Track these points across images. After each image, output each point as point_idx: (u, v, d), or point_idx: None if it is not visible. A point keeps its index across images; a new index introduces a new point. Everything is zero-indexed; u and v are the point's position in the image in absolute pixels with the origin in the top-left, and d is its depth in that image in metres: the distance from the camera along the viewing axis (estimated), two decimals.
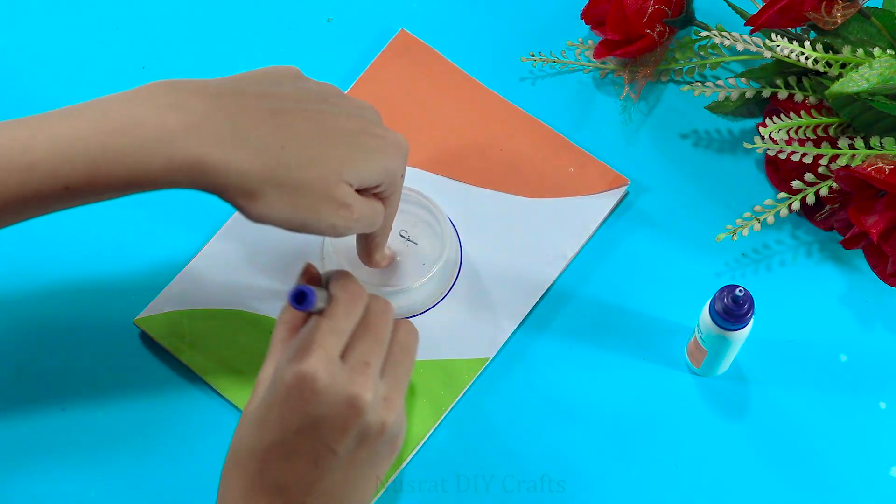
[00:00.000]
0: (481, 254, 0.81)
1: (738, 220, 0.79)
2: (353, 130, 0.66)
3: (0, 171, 0.60)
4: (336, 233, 0.65)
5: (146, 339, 0.79)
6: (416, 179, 0.82)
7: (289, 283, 0.78)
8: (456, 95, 0.85)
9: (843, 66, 0.77)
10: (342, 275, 0.67)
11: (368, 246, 0.73)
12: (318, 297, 0.63)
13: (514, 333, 0.79)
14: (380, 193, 0.68)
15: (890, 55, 0.74)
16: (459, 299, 0.80)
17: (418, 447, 0.76)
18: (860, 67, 0.74)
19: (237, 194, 0.62)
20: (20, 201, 0.61)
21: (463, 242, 0.81)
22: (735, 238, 0.79)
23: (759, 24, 0.78)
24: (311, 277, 0.68)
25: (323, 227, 0.64)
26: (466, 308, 0.79)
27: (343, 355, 0.64)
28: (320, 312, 0.64)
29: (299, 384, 0.61)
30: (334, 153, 0.64)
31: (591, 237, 0.82)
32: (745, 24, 0.79)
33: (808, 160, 0.76)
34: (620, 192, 0.82)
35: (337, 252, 0.79)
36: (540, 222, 0.82)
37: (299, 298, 0.61)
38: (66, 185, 0.60)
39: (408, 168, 0.80)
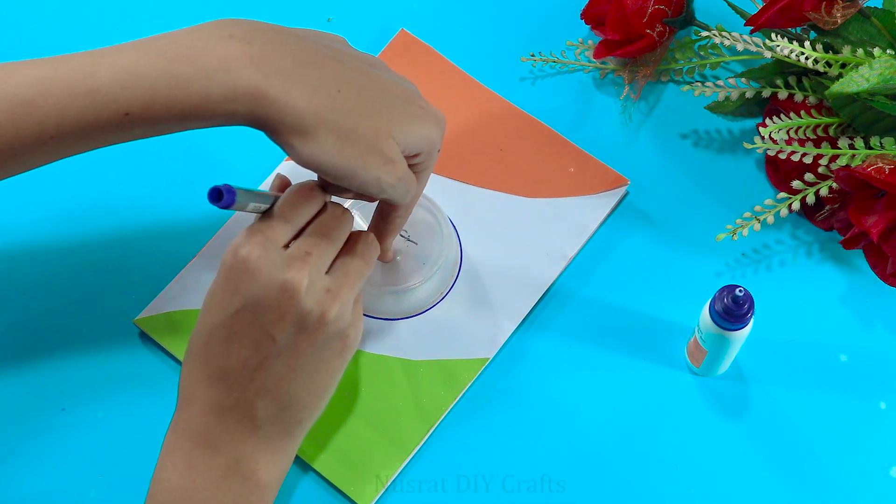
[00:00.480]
0: (481, 254, 0.81)
1: (738, 220, 0.79)
2: (401, 95, 0.66)
3: (62, 96, 0.61)
4: (378, 187, 0.65)
5: (146, 339, 0.79)
6: None
7: None
8: (456, 95, 0.85)
9: (843, 66, 0.77)
10: (302, 182, 0.66)
11: (386, 227, 0.73)
12: (263, 199, 0.63)
13: (514, 333, 0.79)
14: (416, 165, 0.68)
15: (890, 55, 0.74)
16: (459, 299, 0.80)
17: (419, 447, 0.76)
18: (860, 67, 0.74)
19: (291, 131, 0.62)
20: (82, 128, 0.61)
21: (463, 242, 0.81)
22: (735, 238, 0.79)
23: (759, 24, 0.78)
24: (282, 185, 0.68)
25: (369, 179, 0.64)
26: (466, 308, 0.79)
27: (286, 245, 0.64)
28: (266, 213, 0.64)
29: (235, 264, 0.62)
30: (385, 110, 0.65)
31: (592, 237, 0.82)
32: (745, 24, 0.79)
33: (808, 160, 0.76)
34: (620, 192, 0.82)
35: None
36: (540, 222, 0.82)
37: (216, 196, 0.60)
38: (127, 111, 0.61)
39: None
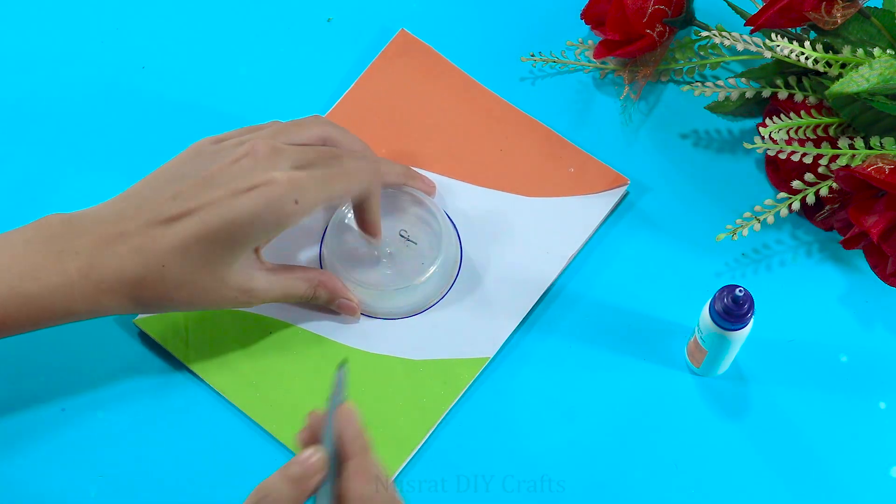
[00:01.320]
0: (481, 253, 0.81)
1: (738, 220, 0.79)
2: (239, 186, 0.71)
3: None
4: (245, 303, 0.74)
5: (146, 339, 0.79)
6: None
7: None
8: (455, 95, 0.85)
9: (843, 66, 0.77)
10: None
11: (365, 220, 0.78)
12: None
13: (514, 333, 0.79)
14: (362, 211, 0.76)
15: (890, 55, 0.74)
16: (459, 298, 0.80)
17: (418, 447, 0.76)
18: (860, 67, 0.74)
19: (142, 310, 0.72)
20: None
21: (463, 242, 0.81)
22: (735, 238, 0.79)
23: (759, 24, 0.78)
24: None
25: (228, 306, 0.74)
26: (466, 307, 0.79)
27: None
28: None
29: None
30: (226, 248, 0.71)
31: (592, 237, 0.82)
32: (745, 24, 0.79)
33: (808, 160, 0.76)
34: (620, 191, 0.82)
35: (332, 254, 0.79)
36: (540, 222, 0.82)
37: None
38: None
39: (412, 167, 0.81)
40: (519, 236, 0.81)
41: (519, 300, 0.79)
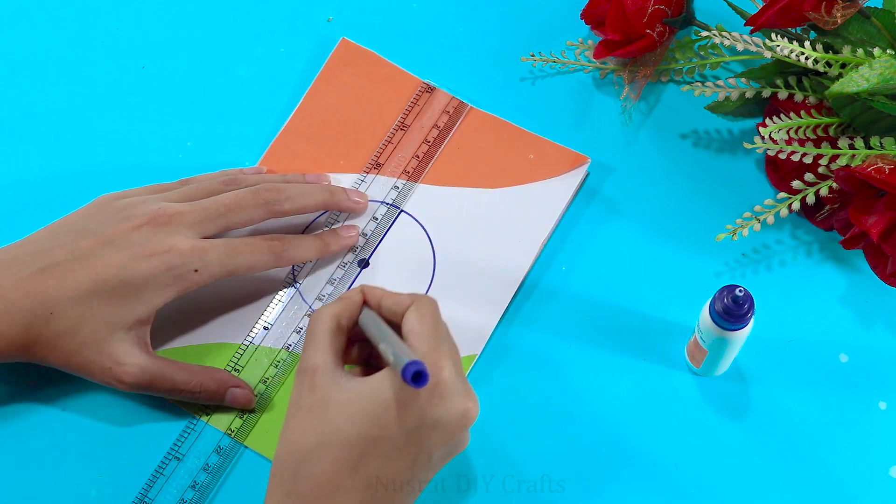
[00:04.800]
0: (454, 252, 0.81)
1: (738, 220, 0.79)
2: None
3: None
4: (111, 382, 0.74)
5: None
6: (379, 186, 0.83)
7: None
8: (405, 99, 0.86)
9: (843, 66, 0.77)
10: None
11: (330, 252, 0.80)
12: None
13: (514, 334, 0.79)
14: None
15: (890, 55, 0.74)
16: (438, 299, 0.79)
17: None
18: (860, 67, 0.74)
19: (28, 357, 0.72)
20: None
21: (434, 243, 0.81)
22: (735, 238, 0.79)
23: (759, 24, 0.78)
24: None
25: (98, 379, 0.73)
26: (447, 307, 0.79)
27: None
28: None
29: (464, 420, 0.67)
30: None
31: (563, 224, 0.82)
32: (745, 24, 0.79)
33: (808, 160, 0.76)
34: (582, 171, 0.83)
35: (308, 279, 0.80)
36: (507, 212, 0.82)
37: (417, 377, 0.62)
38: None
39: (372, 176, 0.81)
40: (488, 229, 0.82)
41: (498, 293, 0.80)
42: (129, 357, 0.72)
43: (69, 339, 0.71)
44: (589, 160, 0.83)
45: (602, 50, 0.85)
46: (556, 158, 0.83)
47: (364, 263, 0.81)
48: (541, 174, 0.83)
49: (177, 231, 0.73)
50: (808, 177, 0.78)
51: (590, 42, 0.87)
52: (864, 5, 0.78)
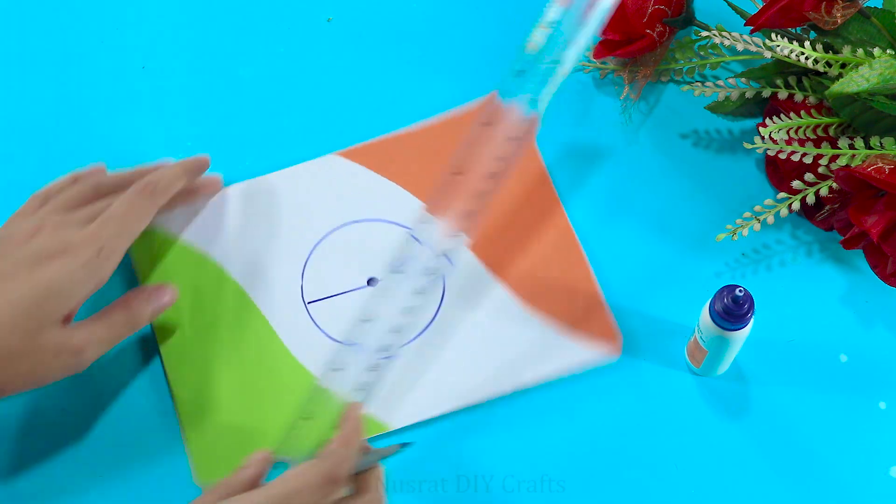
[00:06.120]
0: (456, 324, 0.79)
1: (738, 220, 0.79)
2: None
3: None
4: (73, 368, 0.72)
5: (146, 338, 0.79)
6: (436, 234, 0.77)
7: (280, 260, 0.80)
8: (526, 186, 0.83)
9: (843, 66, 0.77)
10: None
11: None
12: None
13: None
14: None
15: (890, 55, 0.74)
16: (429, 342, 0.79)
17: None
18: (860, 67, 0.74)
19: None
20: None
21: (442, 302, 0.79)
22: (735, 238, 0.79)
23: (759, 24, 0.78)
24: None
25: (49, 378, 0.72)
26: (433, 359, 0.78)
27: None
28: None
29: None
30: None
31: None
32: (745, 24, 0.80)
33: (808, 160, 0.76)
34: (605, 354, 0.78)
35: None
36: (518, 337, 0.78)
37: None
38: None
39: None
40: (494, 337, 0.78)
41: (446, 392, 0.77)
42: (73, 338, 0.71)
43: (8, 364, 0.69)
44: (618, 355, 0.78)
45: (602, 50, 0.85)
46: (596, 323, 0.78)
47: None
48: (572, 324, 0.78)
49: (66, 228, 0.73)
50: (808, 177, 0.78)
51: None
52: (864, 5, 0.78)
